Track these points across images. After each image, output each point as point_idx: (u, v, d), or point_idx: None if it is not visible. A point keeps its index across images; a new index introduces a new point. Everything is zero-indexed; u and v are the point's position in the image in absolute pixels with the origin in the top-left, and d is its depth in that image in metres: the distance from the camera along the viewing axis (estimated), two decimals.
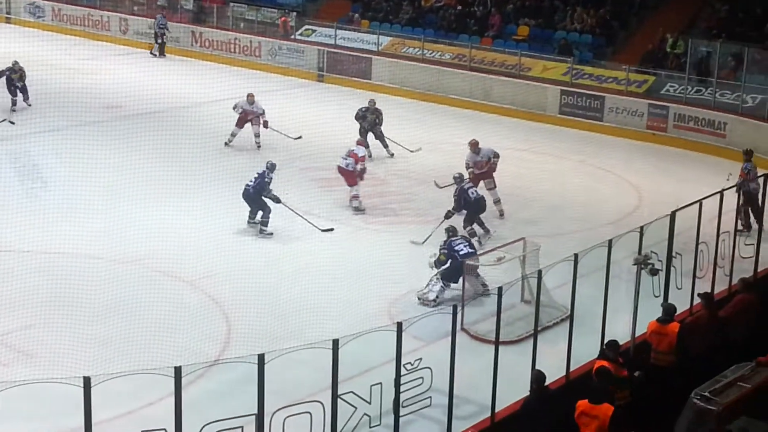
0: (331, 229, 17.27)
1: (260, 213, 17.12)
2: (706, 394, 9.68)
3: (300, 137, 21.80)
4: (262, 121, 21.86)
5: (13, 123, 22.63)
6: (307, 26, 31.54)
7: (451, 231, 15.26)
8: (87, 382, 7.88)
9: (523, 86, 26.61)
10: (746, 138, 22.96)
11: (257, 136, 21.97)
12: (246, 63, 30.90)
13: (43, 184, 19.02)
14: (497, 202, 18.24)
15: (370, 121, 21.57)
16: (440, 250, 14.85)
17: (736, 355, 10.92)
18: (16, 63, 24.10)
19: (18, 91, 24.24)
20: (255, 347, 10.74)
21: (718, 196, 13.26)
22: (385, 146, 21.85)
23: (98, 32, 34.29)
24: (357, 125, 21.90)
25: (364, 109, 21.85)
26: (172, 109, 24.81)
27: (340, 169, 18.79)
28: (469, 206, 16.69)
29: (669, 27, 27.04)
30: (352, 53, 29.63)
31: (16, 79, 24.09)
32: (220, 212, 17.69)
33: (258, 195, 17.08)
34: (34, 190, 18.72)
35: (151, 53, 32.03)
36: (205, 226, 16.97)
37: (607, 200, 19.77)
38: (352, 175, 18.61)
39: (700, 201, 12.96)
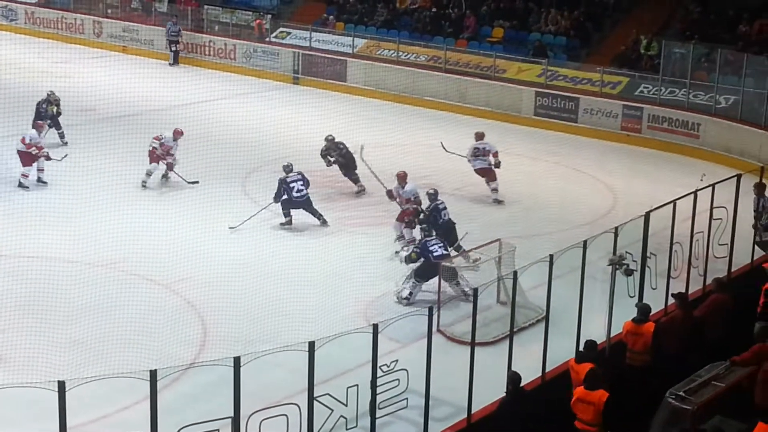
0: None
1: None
2: (681, 393, 9.73)
3: (197, 182, 19.62)
4: (167, 162, 19.68)
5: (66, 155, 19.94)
6: (282, 29, 31.47)
7: (426, 230, 15.29)
8: (62, 386, 7.83)
9: (498, 88, 26.68)
10: (720, 139, 23.17)
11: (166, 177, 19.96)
12: (221, 66, 30.84)
13: (15, 187, 18.90)
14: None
15: (339, 155, 19.81)
16: (413, 248, 14.88)
17: (711, 355, 10.99)
18: (51, 93, 21.89)
19: (49, 124, 21.66)
20: (231, 350, 10.74)
21: (692, 196, 13.33)
22: (356, 181, 19.92)
23: (72, 35, 34.07)
24: (331, 127, 21.82)
25: (324, 150, 19.94)
26: (147, 112, 24.70)
27: (482, 170, 19.51)
28: (437, 228, 16.01)
29: (642, 29, 27.20)
30: (327, 55, 29.62)
31: (52, 112, 21.71)
32: (195, 215, 17.63)
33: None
34: (7, 193, 18.58)
35: (169, 64, 31.17)
36: (180, 230, 16.90)
37: (582, 201, 19.85)
38: (491, 171, 19.27)
39: (674, 201, 13.03)
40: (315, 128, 23.34)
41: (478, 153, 19.59)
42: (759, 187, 15.73)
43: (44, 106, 21.63)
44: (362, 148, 18.67)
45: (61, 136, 22.03)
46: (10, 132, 20.58)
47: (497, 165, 19.49)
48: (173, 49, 31.37)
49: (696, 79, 24.45)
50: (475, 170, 19.70)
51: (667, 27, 27.63)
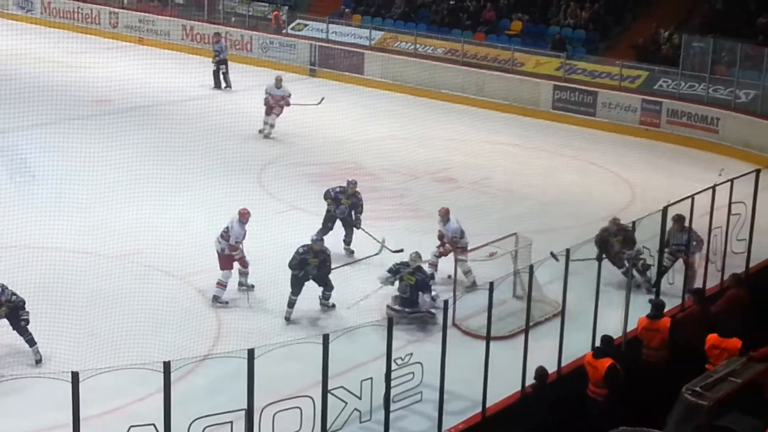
0: (401, 250, 15.48)
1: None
2: (697, 389, 9.63)
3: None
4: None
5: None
6: (299, 20, 31.44)
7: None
8: (75, 377, 7.81)
9: (516, 81, 26.57)
10: (739, 133, 23.02)
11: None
12: (237, 58, 30.73)
13: (31, 179, 18.93)
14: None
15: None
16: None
17: None
18: (615, 220, 14.94)
19: None
20: (245, 343, 10.69)
21: (710, 191, 13.21)
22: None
23: (88, 26, 34.12)
24: (347, 120, 21.78)
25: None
26: (162, 104, 24.73)
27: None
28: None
29: (663, 22, 27.03)
30: (344, 48, 29.56)
31: None
32: (210, 207, 17.58)
33: None
34: (23, 184, 18.61)
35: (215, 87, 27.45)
36: (196, 222, 16.88)
37: (600, 196, 19.75)
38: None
39: (692, 196, 12.92)
40: (332, 121, 23.32)
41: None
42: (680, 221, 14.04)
43: None
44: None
45: None
46: (28, 123, 20.62)
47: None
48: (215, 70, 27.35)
49: (716, 74, 24.30)
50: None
51: (686, 21, 27.43)
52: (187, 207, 17.54)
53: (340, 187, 16.40)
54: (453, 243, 15.10)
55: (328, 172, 19.22)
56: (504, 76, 26.79)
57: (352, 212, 16.28)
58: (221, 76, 27.27)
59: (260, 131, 22.70)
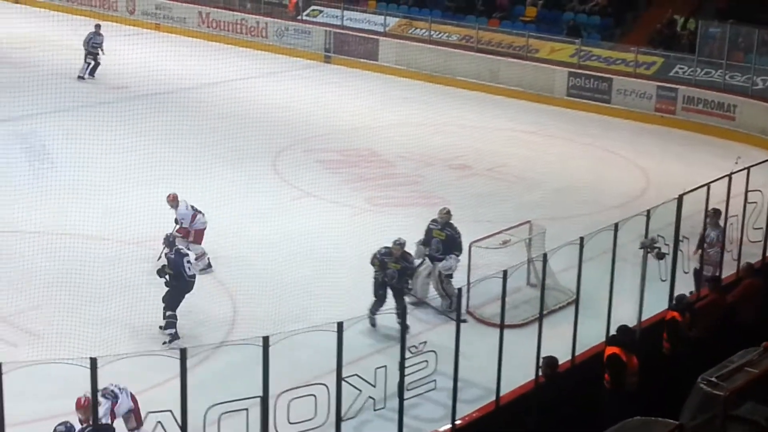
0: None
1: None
2: (713, 379, 9.62)
3: None
4: None
5: None
6: (314, 7, 31.41)
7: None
8: (94, 363, 7.86)
9: (530, 68, 26.50)
10: (756, 120, 22.91)
11: None
12: (253, 44, 30.82)
13: (50, 165, 19.02)
14: None
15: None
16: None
17: (744, 340, 10.88)
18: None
19: None
20: (260, 330, 10.74)
21: (726, 179, 13.15)
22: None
23: (106, 12, 34.11)
24: (362, 107, 21.71)
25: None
26: (178, 91, 24.76)
27: None
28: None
29: (677, 8, 26.89)
30: (358, 34, 29.53)
31: None
32: (226, 193, 17.66)
33: None
34: (42, 170, 18.70)
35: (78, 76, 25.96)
36: (212, 208, 16.93)
37: (614, 183, 19.71)
38: None
39: (708, 184, 12.86)
40: (346, 107, 23.35)
41: None
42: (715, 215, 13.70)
43: None
44: None
45: None
46: (47, 109, 20.71)
47: None
48: (89, 61, 26.27)
49: (732, 60, 24.17)
50: None
51: (702, 7, 27.28)
52: (203, 193, 17.57)
53: (385, 248, 13.76)
54: (182, 230, 14.82)
55: (343, 159, 19.24)
56: (518, 63, 26.72)
57: (403, 278, 13.70)
58: (93, 68, 26.08)
59: None
